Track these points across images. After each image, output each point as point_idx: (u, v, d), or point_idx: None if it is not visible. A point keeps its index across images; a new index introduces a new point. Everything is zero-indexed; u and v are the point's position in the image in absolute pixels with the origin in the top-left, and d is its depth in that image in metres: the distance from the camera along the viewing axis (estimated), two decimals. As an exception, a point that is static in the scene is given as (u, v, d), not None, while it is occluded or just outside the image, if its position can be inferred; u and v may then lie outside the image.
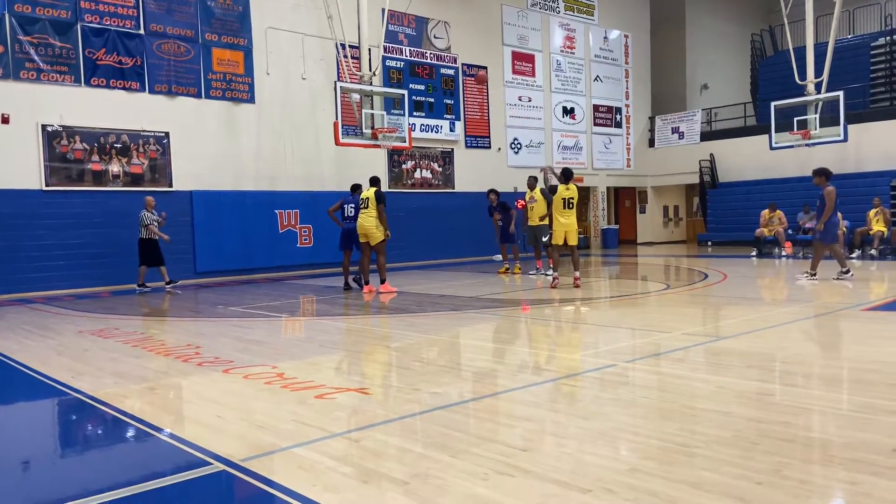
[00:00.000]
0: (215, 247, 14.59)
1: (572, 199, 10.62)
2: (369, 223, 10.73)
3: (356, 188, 11.79)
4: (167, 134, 14.07)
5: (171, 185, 14.12)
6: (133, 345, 6.88)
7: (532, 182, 13.03)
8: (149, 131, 13.85)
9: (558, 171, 10.99)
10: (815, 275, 10.60)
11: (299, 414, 4.10)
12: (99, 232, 13.13)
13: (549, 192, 11.87)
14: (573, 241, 10.74)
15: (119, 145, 13.51)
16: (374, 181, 11.26)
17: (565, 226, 10.62)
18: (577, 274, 10.77)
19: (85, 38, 13.06)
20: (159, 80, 13.93)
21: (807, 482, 2.85)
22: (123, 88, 13.54)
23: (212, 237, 14.54)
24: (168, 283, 12.78)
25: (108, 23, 13.30)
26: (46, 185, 12.69)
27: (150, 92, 13.84)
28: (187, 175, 14.30)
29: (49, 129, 12.72)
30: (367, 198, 10.81)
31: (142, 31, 13.72)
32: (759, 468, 2.98)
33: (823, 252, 10.80)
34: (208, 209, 14.49)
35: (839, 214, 10.80)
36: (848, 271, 10.59)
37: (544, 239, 12.55)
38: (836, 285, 10.10)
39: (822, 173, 10.61)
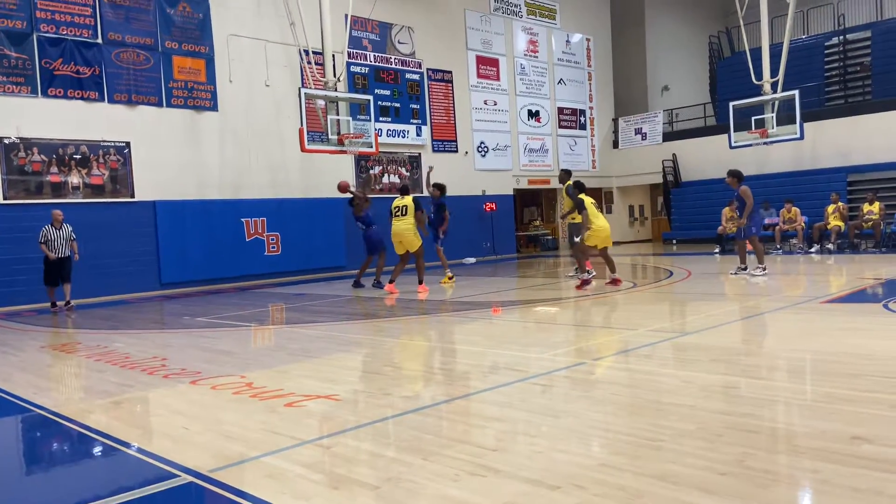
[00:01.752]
0: (180, 257, 14.38)
1: (594, 202, 10.64)
2: (407, 229, 11.21)
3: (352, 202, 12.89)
4: (128, 144, 13.84)
5: (133, 196, 13.89)
6: (97, 359, 6.75)
7: (563, 176, 12.15)
8: (109, 141, 13.62)
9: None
10: (764, 268, 11.10)
11: (269, 423, 4.07)
12: (60, 245, 12.85)
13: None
14: (609, 244, 10.68)
15: (78, 156, 13.25)
16: (406, 189, 11.94)
17: (605, 229, 10.47)
18: (616, 275, 10.53)
19: (41, 48, 12.80)
20: (119, 89, 13.71)
21: (769, 471, 2.92)
22: (82, 98, 13.29)
23: (177, 247, 14.33)
24: (55, 305, 11.66)
25: (64, 32, 13.05)
26: (4, 199, 12.39)
27: (109, 101, 13.61)
28: (150, 185, 14.08)
29: (6, 141, 12.43)
30: (405, 205, 11.30)
31: (99, 41, 13.49)
32: (723, 459, 3.05)
33: (759, 245, 11.35)
34: (172, 219, 14.28)
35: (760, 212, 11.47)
36: (745, 268, 11.21)
37: (576, 239, 11.61)
38: (745, 279, 10.61)
39: (735, 175, 11.24)
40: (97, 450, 3.94)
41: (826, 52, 22.76)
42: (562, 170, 12.66)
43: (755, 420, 3.65)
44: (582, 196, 10.60)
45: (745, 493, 2.69)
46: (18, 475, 3.72)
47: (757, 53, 18.39)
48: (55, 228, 11.47)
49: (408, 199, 11.38)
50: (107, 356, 6.86)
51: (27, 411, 4.87)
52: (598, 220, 10.48)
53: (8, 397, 5.28)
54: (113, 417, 4.50)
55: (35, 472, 3.78)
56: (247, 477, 3.21)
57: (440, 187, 12.91)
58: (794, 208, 16.61)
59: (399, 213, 11.33)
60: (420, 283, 11.43)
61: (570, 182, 11.54)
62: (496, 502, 2.72)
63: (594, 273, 10.74)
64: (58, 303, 11.69)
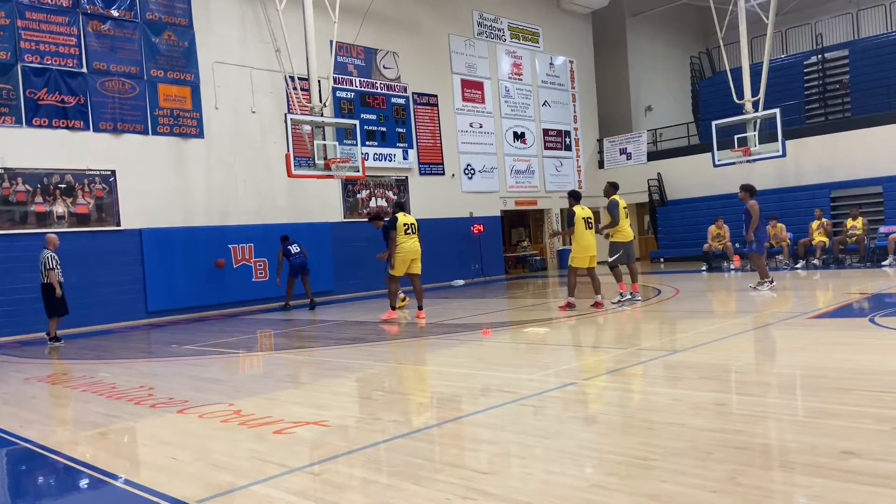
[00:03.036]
0: (167, 285, 14.28)
1: (590, 219, 10.47)
2: (419, 247, 10.80)
3: (286, 238, 14.40)
4: (113, 172, 13.80)
5: (119, 224, 13.82)
6: (83, 389, 6.67)
7: (610, 189, 11.03)
8: (94, 170, 13.57)
9: None
10: (772, 281, 11.00)
11: (257, 451, 4.03)
12: (45, 275, 12.74)
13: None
14: (594, 264, 10.60)
15: (63, 185, 13.19)
16: (402, 205, 11.54)
17: (589, 247, 10.39)
18: (600, 298, 10.42)
19: (25, 78, 12.78)
20: (104, 118, 13.70)
21: (760, 487, 2.92)
22: (67, 128, 13.26)
23: (163, 275, 14.23)
24: (58, 339, 10.67)
25: (49, 62, 13.05)
26: (-12, 229, 12.30)
27: (94, 130, 13.58)
28: (136, 213, 14.02)
29: (-11, 171, 12.36)
30: (414, 223, 10.85)
31: (84, 70, 13.49)
32: (714, 477, 3.04)
33: (761, 262, 11.16)
34: (159, 247, 14.20)
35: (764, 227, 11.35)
36: (772, 281, 11.06)
37: (609, 259, 10.85)
38: (762, 295, 10.63)
39: (747, 189, 11.13)
40: (84, 482, 3.88)
41: (805, 70, 23.15)
42: (608, 182, 11.27)
43: (746, 437, 3.65)
44: (576, 209, 10.38)
45: (737, 510, 2.69)
46: (2, 510, 3.65)
47: (737, 73, 18.67)
48: (54, 253, 10.49)
49: (411, 217, 10.98)
50: (93, 386, 6.78)
51: (12, 444, 4.80)
52: (584, 240, 10.31)
53: (-8, 431, 5.20)
54: (100, 449, 4.44)
55: (19, 507, 3.71)
56: (236, 506, 3.17)
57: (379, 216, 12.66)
58: (779, 224, 16.77)
59: (411, 231, 10.71)
60: (420, 308, 10.79)
61: (616, 196, 10.70)
62: (488, 526, 2.70)
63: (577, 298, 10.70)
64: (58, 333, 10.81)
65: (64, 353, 9.90)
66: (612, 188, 10.93)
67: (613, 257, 10.69)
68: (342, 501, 3.11)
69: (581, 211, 10.42)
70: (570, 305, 10.36)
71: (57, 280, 10.39)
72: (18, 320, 12.42)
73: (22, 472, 4.43)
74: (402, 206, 11.62)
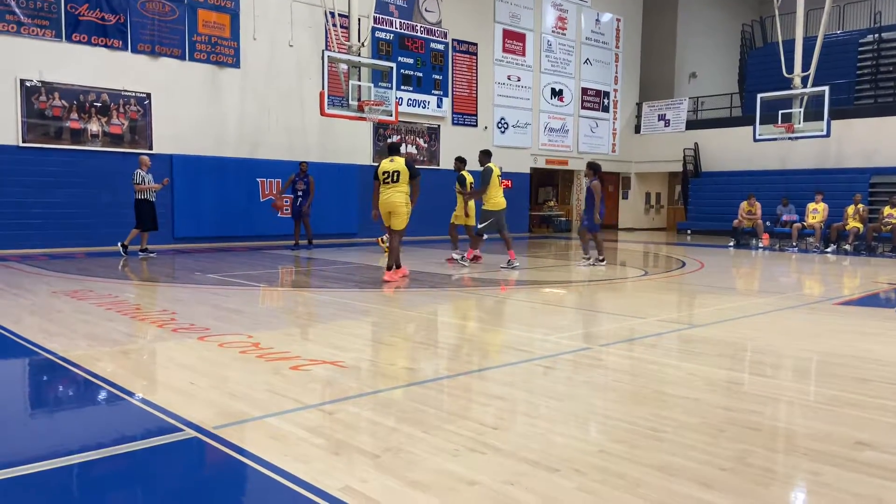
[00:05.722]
0: (194, 213, 14.43)
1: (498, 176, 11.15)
2: (400, 201, 9.07)
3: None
4: (149, 95, 13.82)
5: (151, 148, 13.90)
6: (107, 307, 6.81)
7: (483, 158, 11.14)
8: (130, 91, 13.60)
9: None
10: (588, 258, 11.59)
11: (273, 384, 4.10)
12: (75, 192, 12.92)
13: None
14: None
15: (99, 104, 13.25)
16: (397, 148, 9.45)
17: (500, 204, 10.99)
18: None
19: (67, -8, 12.74)
20: (142, 39, 13.65)
21: (770, 470, 2.91)
22: (105, 46, 13.25)
23: (191, 203, 14.38)
24: (143, 250, 12.22)
25: (91, -23, 12.97)
26: (23, 142, 12.44)
27: (132, 51, 13.57)
28: (168, 138, 14.08)
29: (28, 84, 12.44)
30: (397, 171, 8.99)
31: (126, -12, 13.41)
32: (724, 454, 3.04)
33: (588, 238, 11.76)
34: (188, 174, 14.30)
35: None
36: (603, 259, 11.56)
37: (479, 227, 11.05)
38: (608, 269, 11.12)
39: (593, 168, 11.62)
40: (102, 397, 3.99)
41: (860, 49, 22.29)
42: (482, 151, 11.44)
43: (758, 417, 3.63)
44: (491, 165, 10.95)
45: (745, 490, 2.68)
46: (24, 417, 3.77)
47: (790, 46, 18.03)
48: (145, 173, 11.85)
49: (400, 162, 9.07)
50: (117, 306, 6.92)
51: (35, 354, 4.93)
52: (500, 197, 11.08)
53: (17, 339, 5.34)
54: (120, 366, 4.54)
55: (40, 416, 3.83)
56: (249, 436, 3.24)
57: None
58: (822, 203, 16.35)
59: (389, 180, 9.03)
60: (390, 268, 9.33)
61: (491, 164, 10.90)
62: (495, 480, 2.73)
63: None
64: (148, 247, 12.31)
65: (90, 271, 10.10)
66: (486, 156, 11.23)
67: (482, 225, 10.96)
68: (352, 441, 3.16)
69: (496, 168, 11.01)
70: (473, 258, 11.37)
71: (143, 196, 11.78)
72: (49, 234, 12.69)
73: (44, 381, 4.57)
74: (393, 148, 9.41)
